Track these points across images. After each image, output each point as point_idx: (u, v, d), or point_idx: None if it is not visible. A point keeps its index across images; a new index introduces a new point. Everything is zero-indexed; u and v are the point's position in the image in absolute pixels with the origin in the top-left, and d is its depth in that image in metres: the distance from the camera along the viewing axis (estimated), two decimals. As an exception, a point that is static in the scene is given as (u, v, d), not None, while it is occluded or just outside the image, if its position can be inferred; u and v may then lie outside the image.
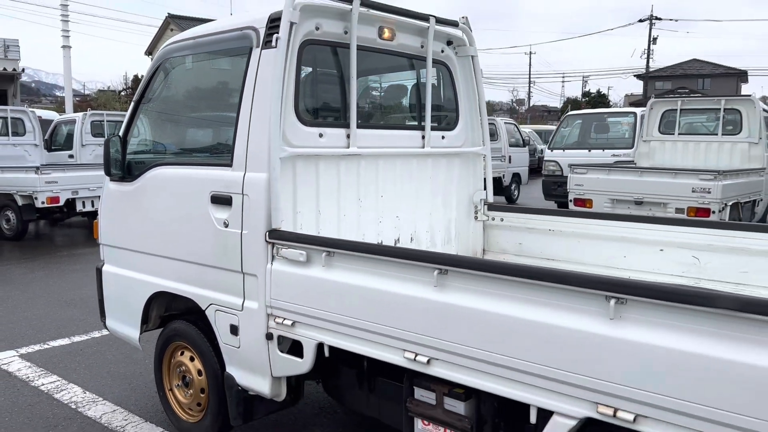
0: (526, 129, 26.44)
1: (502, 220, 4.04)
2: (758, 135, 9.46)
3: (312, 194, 3.12)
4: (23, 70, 31.92)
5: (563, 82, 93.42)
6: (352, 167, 3.31)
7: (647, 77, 50.91)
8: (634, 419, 1.83)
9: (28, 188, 9.70)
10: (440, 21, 3.64)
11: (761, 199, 9.37)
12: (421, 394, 2.48)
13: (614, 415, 1.86)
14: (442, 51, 3.78)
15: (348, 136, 3.25)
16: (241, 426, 3.27)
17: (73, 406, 3.88)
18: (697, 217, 7.77)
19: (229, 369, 3.11)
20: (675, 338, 1.76)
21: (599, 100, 53.82)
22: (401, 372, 2.54)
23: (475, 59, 3.93)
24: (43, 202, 9.67)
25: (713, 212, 7.64)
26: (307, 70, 3.18)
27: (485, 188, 4.09)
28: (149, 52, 45.61)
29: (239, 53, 3.05)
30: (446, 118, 3.94)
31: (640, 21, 50.67)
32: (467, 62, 3.91)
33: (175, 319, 3.53)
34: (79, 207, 10.10)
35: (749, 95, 9.74)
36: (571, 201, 8.81)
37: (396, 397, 2.67)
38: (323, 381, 3.19)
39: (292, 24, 2.87)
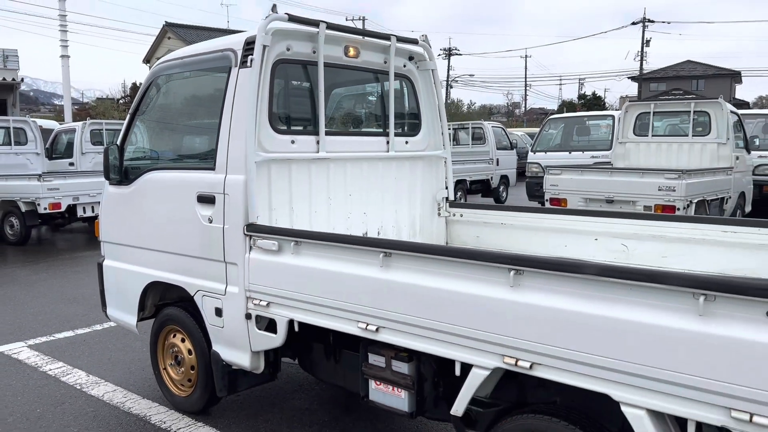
0: (519, 132, 26.96)
1: (461, 216, 4.49)
2: (726, 136, 9.93)
3: (285, 194, 3.58)
4: (22, 79, 32.38)
5: (560, 84, 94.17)
6: (322, 170, 3.77)
7: (641, 79, 51.46)
8: (530, 366, 2.29)
9: (31, 195, 10.16)
10: (401, 39, 4.10)
11: (729, 197, 9.84)
12: (374, 359, 2.94)
13: (515, 364, 2.32)
14: (404, 65, 4.24)
15: (317, 143, 3.71)
16: (226, 397, 3.73)
17: (78, 387, 4.33)
18: (664, 213, 8.25)
19: (215, 347, 3.56)
20: (559, 300, 2.22)
21: (595, 102, 54.34)
22: (359, 343, 3.00)
23: (434, 72, 4.39)
24: (45, 208, 10.13)
25: (678, 209, 8.09)
26: (280, 85, 3.63)
27: (447, 187, 4.54)
28: (147, 60, 46.07)
29: (220, 71, 3.51)
30: (409, 125, 4.39)
31: (633, 24, 51.29)
32: (428, 75, 4.37)
33: (168, 306, 3.99)
34: (80, 212, 10.56)
35: (717, 98, 10.21)
36: (547, 201, 9.26)
37: (356, 366, 3.12)
38: (299, 359, 3.64)
39: (264, 47, 3.33)
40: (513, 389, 2.66)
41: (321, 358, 3.45)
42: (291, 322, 3.16)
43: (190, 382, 3.86)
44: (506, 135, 17.27)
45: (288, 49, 3.53)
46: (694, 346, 1.92)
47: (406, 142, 4.30)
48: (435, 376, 2.83)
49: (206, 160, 3.58)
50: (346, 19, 52.26)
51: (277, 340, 3.23)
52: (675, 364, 1.96)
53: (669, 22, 55.35)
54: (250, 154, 3.27)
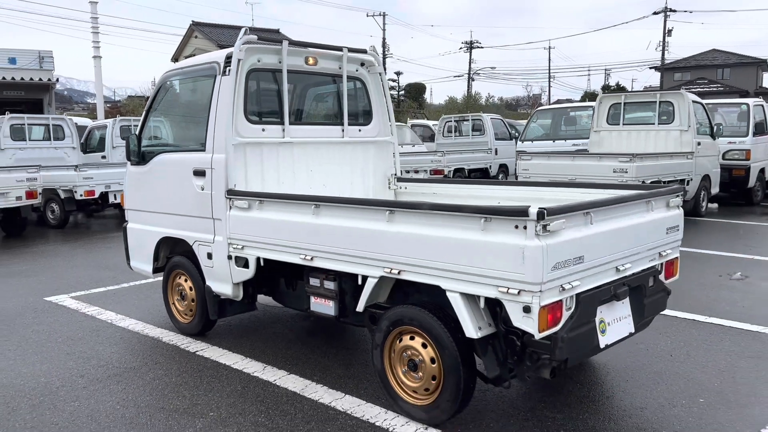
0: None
1: (406, 188, 5.68)
2: (687, 123, 10.92)
3: (258, 170, 4.80)
4: (57, 79, 34.25)
5: (589, 75, 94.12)
6: (287, 151, 4.99)
7: (664, 69, 51.61)
8: (399, 273, 3.47)
9: (68, 183, 11.61)
10: (352, 50, 5.30)
11: (691, 179, 10.83)
12: (312, 281, 4.17)
13: (390, 272, 3.51)
14: (357, 70, 5.44)
15: (283, 130, 4.93)
16: (218, 324, 4.99)
17: (109, 322, 5.64)
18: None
19: (208, 282, 4.81)
20: (413, 228, 3.39)
21: (619, 92, 54.65)
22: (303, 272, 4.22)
23: (382, 75, 5.58)
24: (81, 195, 11.58)
25: (630, 189, 9.14)
26: (253, 87, 4.85)
27: (395, 166, 5.72)
28: (175, 58, 47.69)
29: (210, 78, 4.74)
30: (362, 117, 5.59)
31: (655, 13, 51.47)
32: (377, 77, 5.56)
33: (175, 256, 5.26)
34: (111, 199, 11.97)
35: (679, 89, 11.18)
36: (520, 183, 10.36)
37: (304, 290, 4.34)
38: (272, 294, 4.87)
39: (239, 60, 4.55)
40: (401, 295, 3.84)
41: (284, 289, 4.67)
42: (258, 259, 4.38)
43: (191, 312, 5.13)
44: (506, 126, 18.31)
45: (259, 61, 4.75)
46: (479, 248, 3.09)
47: (359, 130, 5.50)
48: (351, 290, 4.02)
49: (200, 143, 4.82)
50: (367, 15, 53.39)
51: (249, 273, 4.46)
52: (470, 261, 3.12)
53: (691, 11, 55.10)
54: (228, 138, 4.51)
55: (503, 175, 17.75)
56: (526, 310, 2.97)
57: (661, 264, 3.97)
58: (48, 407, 3.84)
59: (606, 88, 58.48)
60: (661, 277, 4.00)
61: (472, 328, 3.19)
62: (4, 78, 29.39)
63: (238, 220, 4.45)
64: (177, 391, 4.04)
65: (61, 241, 10.59)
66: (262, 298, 5.00)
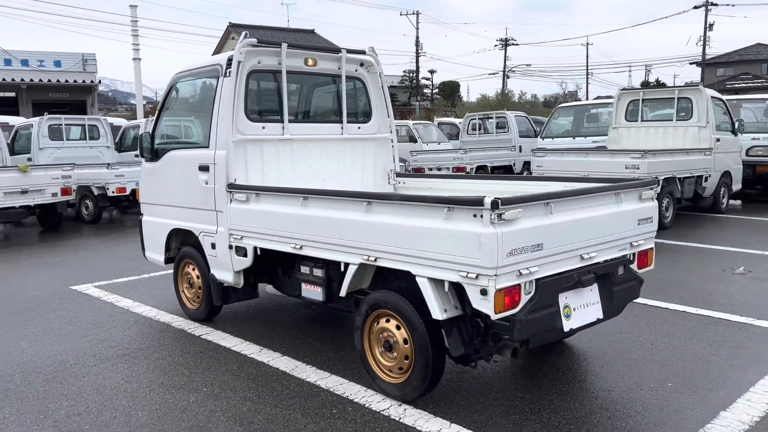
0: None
1: (404, 183, 5.92)
2: (706, 119, 10.89)
3: (258, 165, 5.10)
4: (100, 81, 35.40)
5: (630, 71, 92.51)
6: (287, 148, 5.28)
7: (705, 64, 50.56)
8: (375, 259, 3.73)
9: (101, 181, 12.17)
10: (351, 51, 5.56)
11: (709, 175, 10.79)
12: (303, 269, 4.45)
13: (368, 259, 3.76)
14: (356, 70, 5.70)
15: (283, 128, 5.22)
16: (224, 310, 5.32)
17: (126, 308, 6.02)
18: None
19: (212, 270, 5.14)
20: (386, 218, 3.64)
21: (638, 89, 53.65)
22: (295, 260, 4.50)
23: (381, 74, 5.83)
24: (113, 192, 12.11)
25: (642, 185, 9.18)
26: (254, 87, 5.16)
27: (394, 162, 5.97)
28: (212, 59, 48.57)
29: (214, 79, 5.07)
30: (362, 115, 5.85)
31: (696, 8, 50.45)
32: (376, 77, 5.82)
33: (185, 247, 5.60)
34: (141, 195, 12.48)
35: (697, 85, 11.15)
36: (534, 180, 10.48)
37: (296, 278, 4.62)
38: (273, 283, 5.17)
39: (239, 62, 4.86)
40: (382, 281, 4.08)
41: (281, 277, 4.97)
42: (255, 249, 4.68)
43: (198, 299, 5.46)
44: (530, 123, 18.34)
45: (259, 62, 5.05)
46: (443, 236, 3.32)
47: (359, 128, 5.76)
48: (337, 277, 4.28)
49: (204, 140, 5.14)
50: (400, 14, 53.56)
51: (247, 262, 4.76)
52: (436, 248, 3.36)
53: (734, 5, 53.68)
54: (229, 136, 4.82)
55: (527, 172, 17.79)
56: (483, 293, 3.19)
57: (634, 254, 4.13)
58: (59, 381, 4.21)
59: (645, 84, 57.50)
60: (634, 266, 4.16)
61: (438, 310, 3.42)
62: (50, 80, 30.58)
63: (237, 212, 4.76)
64: (177, 370, 4.37)
65: (94, 235, 11.13)
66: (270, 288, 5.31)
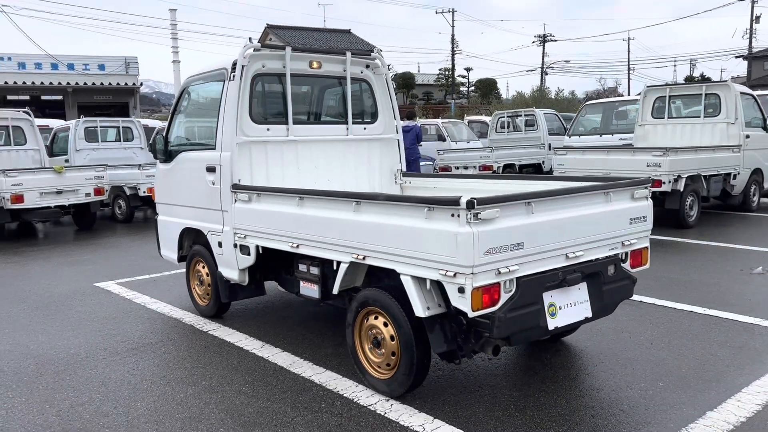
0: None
1: (410, 183, 6.00)
2: (734, 116, 10.65)
3: (263, 166, 5.24)
4: (141, 84, 36.32)
5: (675, 65, 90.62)
6: (292, 149, 5.40)
7: (752, 57, 49.18)
8: (364, 258, 3.81)
9: (133, 181, 12.54)
10: (356, 53, 5.66)
11: (738, 173, 10.56)
12: (301, 267, 4.57)
13: (357, 258, 3.85)
14: (362, 72, 5.80)
15: (287, 130, 5.35)
16: (233, 307, 5.49)
17: (142, 304, 6.25)
18: (653, 188, 9.20)
19: (219, 269, 5.30)
20: (375, 217, 3.72)
21: (664, 85, 52.34)
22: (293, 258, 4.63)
23: (387, 76, 5.91)
24: (144, 192, 12.47)
25: (664, 183, 9.06)
26: (258, 90, 5.30)
27: (400, 162, 6.04)
28: (249, 61, 49.25)
29: (220, 82, 5.22)
30: (368, 115, 5.94)
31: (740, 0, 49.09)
32: (382, 78, 5.90)
33: (196, 245, 5.79)
34: (171, 195, 12.81)
35: (725, 81, 10.90)
36: (555, 178, 10.41)
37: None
38: (277, 280, 5.30)
39: (243, 66, 5.00)
40: (375, 279, 4.16)
41: (284, 275, 5.10)
42: (257, 247, 4.82)
43: (208, 296, 5.64)
44: (560, 121, 18.16)
45: (263, 66, 5.19)
46: (424, 235, 3.39)
47: (365, 128, 5.86)
48: (332, 275, 4.38)
49: (211, 142, 5.30)
50: (436, 12, 53.45)
51: (251, 260, 4.90)
52: (418, 247, 3.43)
53: (782, -3, 52.02)
54: (233, 138, 4.97)
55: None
56: (461, 290, 3.25)
57: (626, 253, 4.13)
58: (69, 373, 4.42)
59: (690, 79, 56.11)
60: (626, 265, 4.15)
61: (420, 307, 3.49)
62: (94, 83, 31.56)
63: (240, 212, 4.90)
64: (180, 364, 4.54)
65: (125, 234, 11.49)
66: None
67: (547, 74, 60.17)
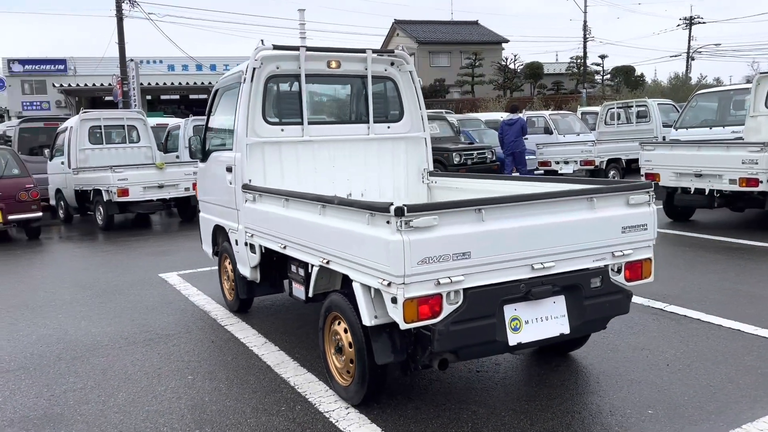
0: None
1: (436, 182, 5.83)
2: None
3: (277, 167, 5.31)
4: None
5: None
6: (308, 149, 5.43)
7: None
8: (327, 262, 3.76)
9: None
10: (376, 51, 5.57)
11: None
12: (292, 268, 4.59)
13: (323, 262, 3.81)
14: (386, 70, 5.70)
15: (303, 130, 5.39)
16: (257, 304, 5.65)
17: (185, 296, 6.59)
18: (747, 187, 8.25)
19: (237, 265, 5.46)
20: (334, 221, 3.66)
21: None
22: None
23: (412, 72, 5.77)
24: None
25: (761, 182, 8.09)
26: (273, 92, 5.37)
27: (427, 161, 5.88)
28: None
29: (239, 85, 5.36)
30: (392, 114, 5.83)
31: None
32: (407, 75, 5.77)
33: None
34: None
35: None
36: (642, 175, 9.65)
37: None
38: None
39: (254, 69, 5.10)
40: (347, 284, 4.08)
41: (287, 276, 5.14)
42: (260, 246, 4.91)
43: (233, 291, 5.83)
44: (678, 111, 16.78)
45: (278, 67, 5.25)
46: (367, 242, 3.27)
47: (388, 127, 5.76)
48: (307, 273, 4.34)
49: (231, 143, 5.46)
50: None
51: (256, 258, 5.01)
52: (363, 254, 3.32)
53: None
54: (242, 139, 5.09)
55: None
56: (394, 301, 3.12)
57: (620, 265, 3.75)
58: (82, 360, 4.76)
59: None
60: (620, 278, 3.77)
61: (367, 316, 3.39)
62: (210, 83, 33.72)
63: (249, 212, 5.01)
64: (180, 356, 4.74)
65: (186, 232, 12.12)
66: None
67: (693, 59, 55.82)
